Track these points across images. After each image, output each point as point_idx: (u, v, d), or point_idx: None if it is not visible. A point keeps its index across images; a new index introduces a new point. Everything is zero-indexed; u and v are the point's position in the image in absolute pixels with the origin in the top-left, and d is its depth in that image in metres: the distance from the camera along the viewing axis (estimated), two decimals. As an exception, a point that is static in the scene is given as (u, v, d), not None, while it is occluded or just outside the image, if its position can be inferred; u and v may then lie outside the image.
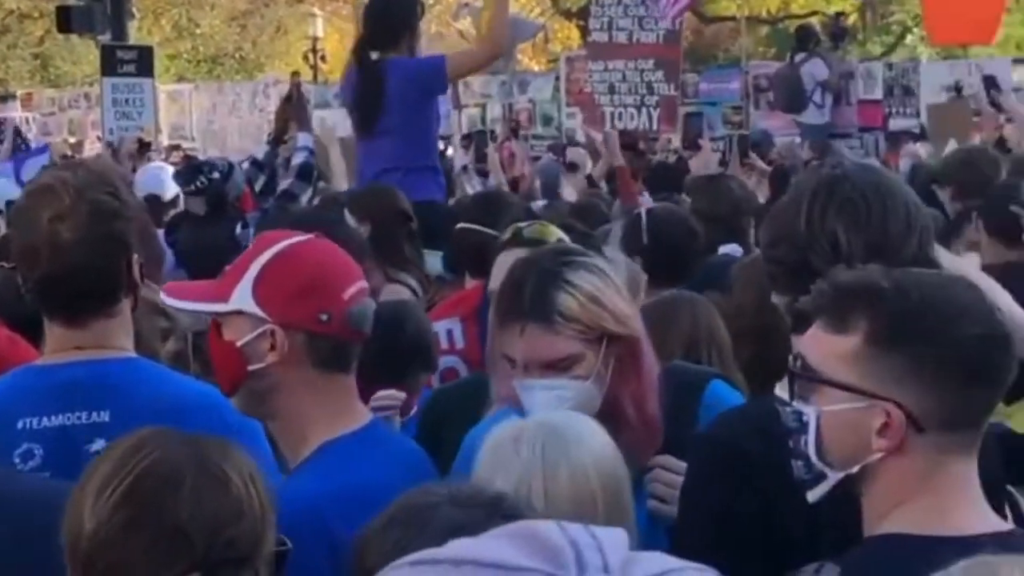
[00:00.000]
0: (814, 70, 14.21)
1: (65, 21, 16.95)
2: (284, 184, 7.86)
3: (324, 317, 2.51)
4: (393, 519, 2.10)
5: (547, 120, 18.46)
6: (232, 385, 2.58)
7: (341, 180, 8.38)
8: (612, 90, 9.96)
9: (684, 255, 4.87)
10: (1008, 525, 2.15)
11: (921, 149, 11.61)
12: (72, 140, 19.75)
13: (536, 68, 27.92)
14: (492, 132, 15.49)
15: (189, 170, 8.10)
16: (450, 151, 12.96)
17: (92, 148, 13.78)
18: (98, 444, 2.62)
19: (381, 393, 3.62)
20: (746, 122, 14.64)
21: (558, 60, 20.89)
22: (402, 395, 3.68)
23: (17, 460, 2.70)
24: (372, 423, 2.67)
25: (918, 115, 15.18)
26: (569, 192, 10.51)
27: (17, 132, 13.73)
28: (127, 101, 12.61)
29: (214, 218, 7.42)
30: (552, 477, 2.30)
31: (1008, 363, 2.06)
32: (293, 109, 8.73)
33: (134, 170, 8.60)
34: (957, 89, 12.96)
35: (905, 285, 2.04)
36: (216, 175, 7.60)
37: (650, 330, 2.79)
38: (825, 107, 14.17)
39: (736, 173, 9.06)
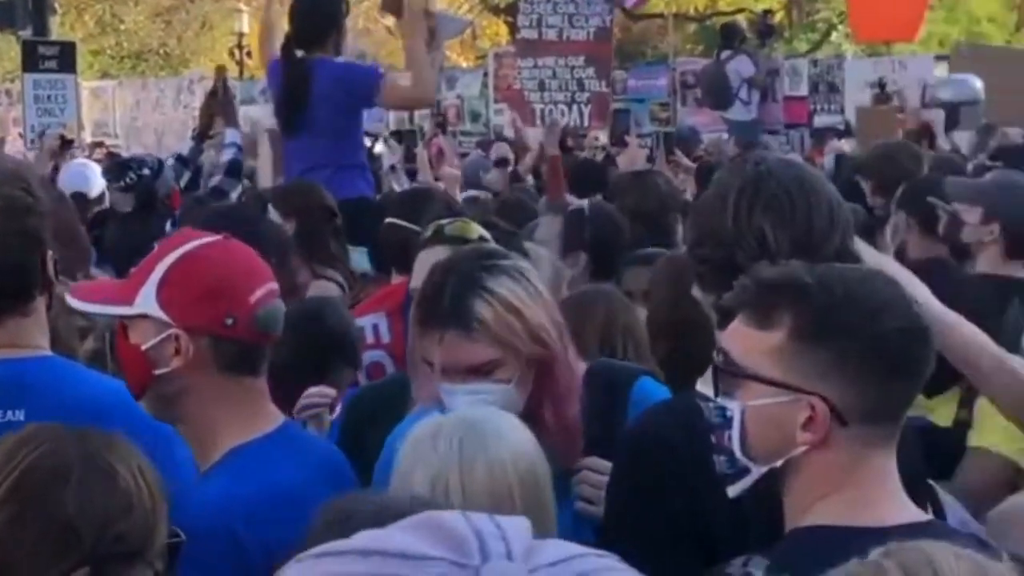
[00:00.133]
0: (740, 67, 14.29)
1: (-15, 16, 16.74)
2: (214, 181, 7.79)
3: (229, 321, 2.48)
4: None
5: (475, 116, 18.48)
6: (139, 388, 2.55)
7: (268, 172, 8.31)
8: (543, 87, 9.99)
9: (625, 251, 4.91)
10: (928, 516, 2.17)
11: (846, 145, 11.72)
12: (-7, 137, 19.48)
13: (464, 64, 27.96)
14: (421, 129, 15.47)
15: (117, 167, 8.02)
16: (378, 147, 12.92)
17: (14, 145, 13.57)
18: (12, 443, 2.57)
19: (311, 391, 3.60)
20: (673, 119, 14.74)
21: (486, 56, 20.90)
22: (332, 392, 3.65)
23: (-71, 458, 2.64)
24: (284, 425, 2.64)
25: (843, 112, 15.37)
26: (494, 180, 10.51)
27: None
28: (49, 98, 12.44)
29: (142, 215, 7.35)
30: (469, 472, 2.28)
31: (927, 356, 2.08)
32: (219, 105, 8.66)
33: (56, 168, 8.48)
34: (881, 86, 13.10)
35: (828, 281, 2.05)
36: (146, 172, 7.54)
37: (567, 324, 2.79)
38: (752, 104, 14.26)
39: (663, 170, 9.12)
